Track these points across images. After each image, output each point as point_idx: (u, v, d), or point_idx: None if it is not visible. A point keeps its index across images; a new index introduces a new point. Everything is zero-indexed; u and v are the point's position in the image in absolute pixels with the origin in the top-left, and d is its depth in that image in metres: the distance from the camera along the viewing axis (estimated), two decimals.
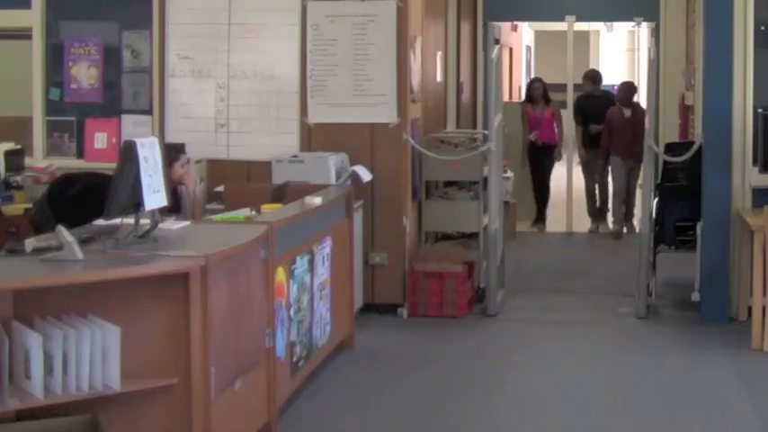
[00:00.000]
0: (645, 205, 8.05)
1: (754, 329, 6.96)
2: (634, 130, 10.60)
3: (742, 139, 7.56)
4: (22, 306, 4.32)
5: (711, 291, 7.64)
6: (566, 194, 11.99)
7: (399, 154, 7.77)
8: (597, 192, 11.81)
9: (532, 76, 17.41)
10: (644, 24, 13.77)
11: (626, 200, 11.38)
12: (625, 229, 11.41)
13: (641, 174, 10.35)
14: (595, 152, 11.54)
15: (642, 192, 8.15)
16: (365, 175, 7.55)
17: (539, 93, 11.88)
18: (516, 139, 11.84)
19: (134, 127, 8.07)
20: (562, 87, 12.44)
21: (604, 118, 11.27)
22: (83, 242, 4.53)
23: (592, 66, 18.48)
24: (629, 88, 11.51)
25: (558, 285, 9.13)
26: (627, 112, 11.11)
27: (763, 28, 7.59)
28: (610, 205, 11.59)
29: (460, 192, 8.50)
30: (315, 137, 7.82)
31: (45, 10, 8.26)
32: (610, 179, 11.56)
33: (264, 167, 7.56)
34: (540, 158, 11.84)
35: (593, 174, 11.78)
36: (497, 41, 8.58)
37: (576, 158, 12.06)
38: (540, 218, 11.96)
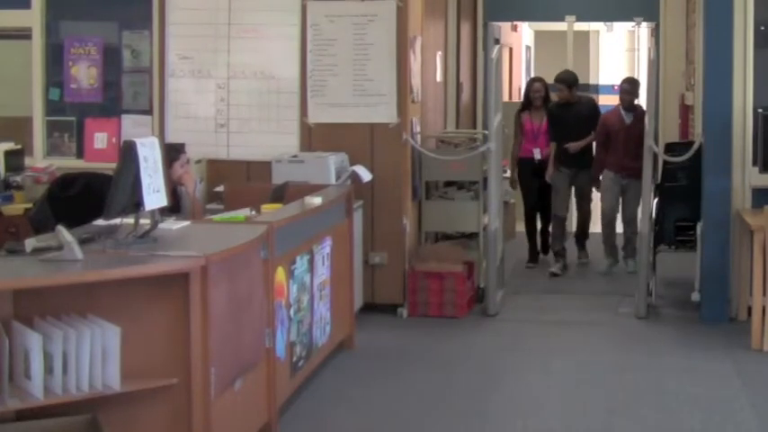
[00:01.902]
0: (645, 205, 8.04)
1: (754, 329, 6.96)
2: (636, 141, 8.60)
3: (742, 139, 7.56)
4: (22, 306, 4.32)
5: (711, 291, 7.64)
6: None
7: (399, 154, 7.77)
8: (578, 219, 9.84)
9: (532, 75, 17.16)
10: (644, 24, 13.75)
11: (626, 228, 9.39)
12: (630, 265, 9.21)
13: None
14: (570, 172, 9.40)
15: (642, 192, 8.11)
16: (365, 175, 7.55)
17: (539, 96, 9.74)
18: (506, 154, 9.68)
19: (134, 127, 8.07)
20: None
21: (585, 131, 9.31)
22: (83, 242, 4.53)
23: (591, 66, 18.42)
24: (632, 84, 9.37)
25: (558, 285, 9.12)
26: (628, 118, 9.12)
27: (763, 28, 7.60)
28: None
29: (460, 192, 8.49)
30: (315, 137, 7.82)
31: (45, 10, 8.27)
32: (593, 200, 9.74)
33: (264, 167, 7.55)
34: (538, 179, 9.69)
35: (566, 199, 9.59)
36: (497, 41, 8.60)
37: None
38: (535, 258, 9.89)
